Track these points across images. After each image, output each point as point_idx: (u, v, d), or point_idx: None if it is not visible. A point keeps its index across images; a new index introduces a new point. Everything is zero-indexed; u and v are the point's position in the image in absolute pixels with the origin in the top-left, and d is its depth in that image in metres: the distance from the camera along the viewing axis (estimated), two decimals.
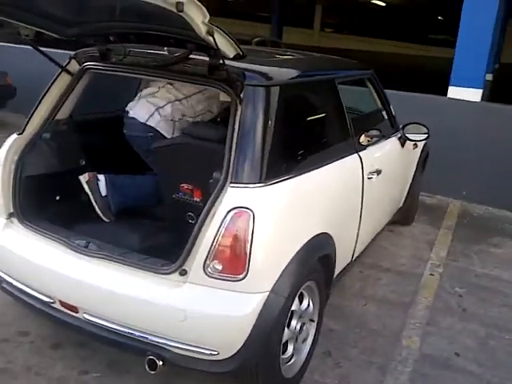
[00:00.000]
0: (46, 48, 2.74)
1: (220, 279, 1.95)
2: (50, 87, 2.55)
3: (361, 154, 2.81)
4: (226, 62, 2.08)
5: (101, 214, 2.60)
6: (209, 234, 1.95)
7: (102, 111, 2.98)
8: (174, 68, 2.28)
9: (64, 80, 2.57)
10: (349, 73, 3.11)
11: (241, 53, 2.05)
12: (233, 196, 1.96)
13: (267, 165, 2.04)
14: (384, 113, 3.54)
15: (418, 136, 3.49)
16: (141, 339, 2.05)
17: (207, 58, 2.10)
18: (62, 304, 2.21)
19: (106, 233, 2.38)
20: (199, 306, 1.96)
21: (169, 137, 2.60)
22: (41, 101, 2.55)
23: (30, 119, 2.54)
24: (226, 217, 1.93)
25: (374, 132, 3.07)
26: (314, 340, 2.50)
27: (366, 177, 2.79)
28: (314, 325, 2.50)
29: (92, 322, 2.14)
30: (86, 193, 2.63)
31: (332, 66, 3.07)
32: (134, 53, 2.43)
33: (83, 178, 2.61)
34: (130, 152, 2.74)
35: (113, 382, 2.36)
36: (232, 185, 1.98)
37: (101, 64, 2.49)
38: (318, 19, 22.38)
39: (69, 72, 2.56)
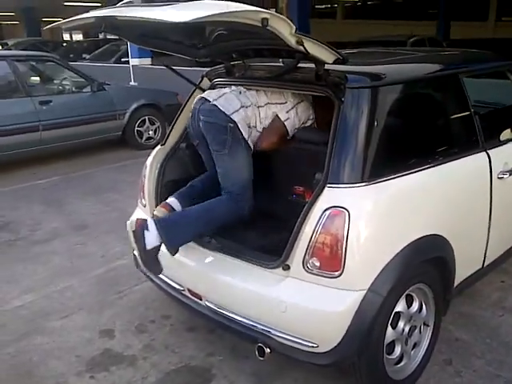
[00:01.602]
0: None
1: (318, 275, 2.06)
2: (186, 103, 2.93)
3: (490, 151, 2.63)
4: (333, 67, 2.19)
5: (143, 267, 2.47)
6: (307, 232, 2.07)
7: None
8: (286, 77, 2.46)
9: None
10: (478, 66, 2.91)
11: (340, 57, 2.13)
12: (329, 196, 2.05)
13: (367, 165, 2.09)
14: None
15: None
16: (251, 327, 2.24)
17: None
18: (190, 291, 2.53)
19: (228, 230, 2.63)
20: (298, 299, 2.09)
21: (246, 136, 2.51)
22: (179, 115, 2.94)
23: (170, 132, 2.94)
24: (322, 216, 2.03)
25: None
26: (429, 345, 2.43)
27: (495, 176, 2.61)
28: (430, 329, 2.43)
29: (212, 308, 2.41)
30: None
31: (456, 59, 2.92)
32: (253, 67, 2.67)
33: (129, 226, 2.41)
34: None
35: (233, 365, 2.61)
36: (329, 185, 2.07)
37: (227, 79, 2.78)
38: (494, 9, 20.45)
39: (201, 89, 2.91)
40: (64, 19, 2.27)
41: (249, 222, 2.61)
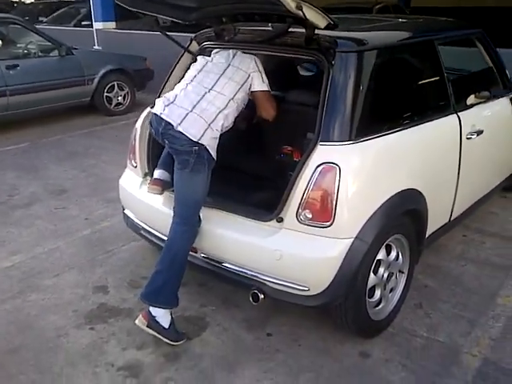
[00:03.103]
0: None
1: (310, 226, 2.26)
2: (175, 66, 3.01)
3: (460, 114, 2.88)
4: (321, 32, 2.34)
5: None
6: (300, 187, 2.25)
7: None
8: (276, 41, 2.58)
9: (186, 59, 3.00)
10: (451, 33, 3.14)
11: (332, 22, 2.28)
12: (321, 153, 2.24)
13: (354, 124, 2.28)
14: (495, 73, 3.47)
15: None
16: (246, 275, 2.43)
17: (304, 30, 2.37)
18: None
19: (220, 188, 2.76)
20: (292, 248, 2.29)
21: (213, 154, 2.45)
22: (168, 78, 3.02)
23: (160, 94, 3.02)
24: (314, 171, 2.22)
25: (482, 93, 3.08)
26: (403, 290, 2.70)
27: (464, 137, 2.86)
28: (404, 276, 2.70)
29: (207, 260, 2.59)
30: None
31: (431, 27, 3.13)
32: (243, 31, 2.77)
33: (140, 323, 2.54)
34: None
35: (225, 314, 2.81)
36: (321, 143, 2.25)
37: (216, 43, 2.88)
38: None
39: (190, 52, 2.99)
40: None
41: (241, 180, 2.77)
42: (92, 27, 10.01)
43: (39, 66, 6.44)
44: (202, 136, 2.41)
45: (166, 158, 2.81)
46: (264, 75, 2.64)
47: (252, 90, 2.61)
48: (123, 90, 7.28)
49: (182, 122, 2.42)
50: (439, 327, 2.67)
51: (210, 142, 2.44)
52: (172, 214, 2.58)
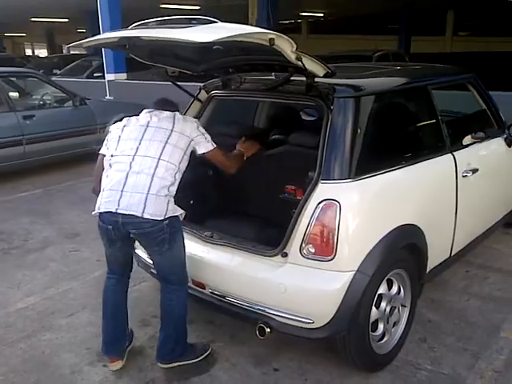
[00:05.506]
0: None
1: (313, 260, 2.37)
2: (185, 113, 3.21)
3: (455, 153, 3.03)
4: (321, 79, 2.53)
5: None
6: (303, 223, 2.38)
7: (225, 131, 3.55)
8: (280, 89, 2.78)
9: (196, 106, 3.22)
10: (444, 79, 3.35)
11: (329, 71, 2.48)
12: (322, 190, 2.38)
13: (353, 164, 2.42)
14: (488, 115, 3.65)
15: None
16: (253, 309, 2.53)
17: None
18: (194, 282, 2.79)
19: (226, 226, 2.90)
20: (296, 281, 2.39)
21: (177, 210, 2.46)
22: None
23: None
24: (316, 208, 2.36)
25: (477, 133, 3.24)
26: (406, 324, 2.77)
27: (460, 175, 3.00)
28: (407, 310, 2.78)
29: (215, 296, 2.69)
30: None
31: (425, 73, 3.34)
32: (248, 80, 2.99)
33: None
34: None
35: (233, 350, 2.88)
36: (322, 181, 2.40)
37: (223, 91, 3.09)
38: (450, 24, 21.64)
39: (199, 100, 3.21)
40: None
41: (247, 218, 2.90)
42: (104, 78, 10.47)
43: (54, 116, 6.76)
44: (167, 211, 2.40)
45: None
46: (207, 135, 2.60)
47: (200, 152, 2.58)
48: None
49: (145, 208, 2.34)
50: (443, 360, 2.72)
51: (173, 208, 2.45)
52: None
